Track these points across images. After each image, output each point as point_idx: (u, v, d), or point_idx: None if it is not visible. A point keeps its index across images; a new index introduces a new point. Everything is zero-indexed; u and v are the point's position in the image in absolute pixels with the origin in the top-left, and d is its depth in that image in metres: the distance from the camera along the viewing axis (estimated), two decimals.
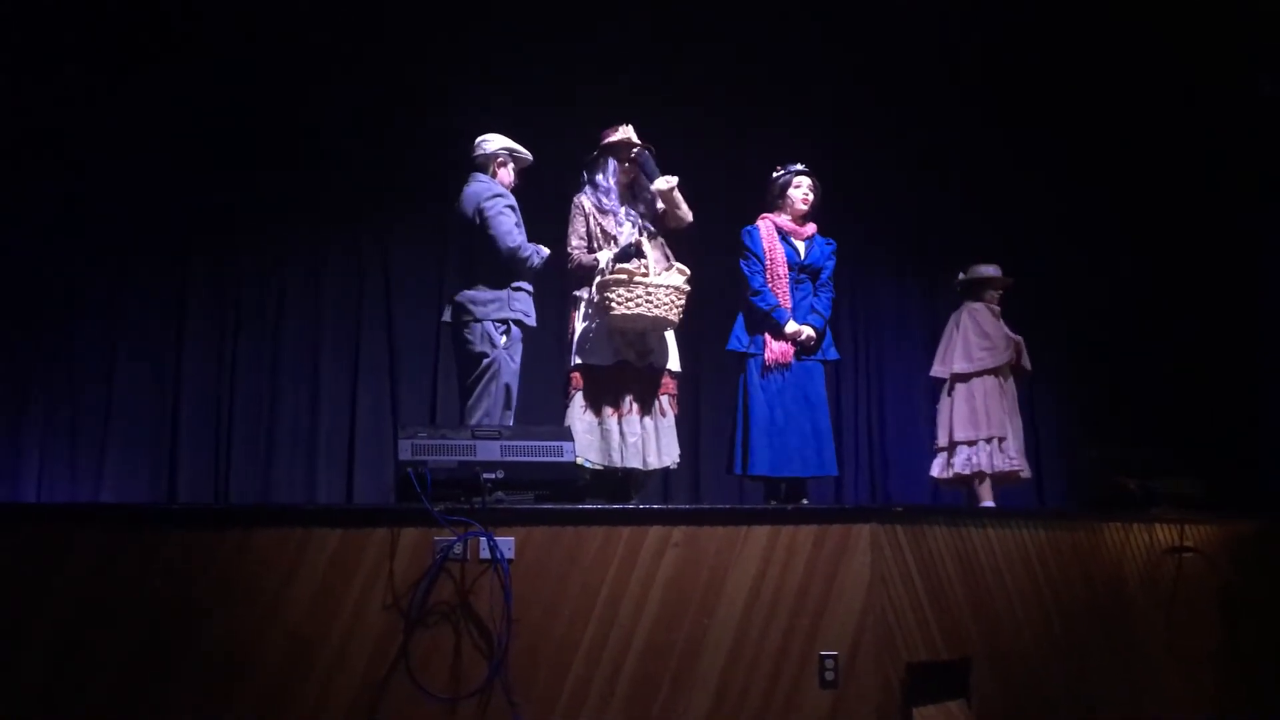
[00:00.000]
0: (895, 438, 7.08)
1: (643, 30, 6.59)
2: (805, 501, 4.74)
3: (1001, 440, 5.52)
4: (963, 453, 5.56)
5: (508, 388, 4.44)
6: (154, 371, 6.06)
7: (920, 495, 6.86)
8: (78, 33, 5.93)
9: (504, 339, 4.43)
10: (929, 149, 7.08)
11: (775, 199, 4.95)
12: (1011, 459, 5.51)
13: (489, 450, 3.41)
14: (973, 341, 5.64)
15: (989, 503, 5.48)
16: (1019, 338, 5.73)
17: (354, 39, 6.35)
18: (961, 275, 5.88)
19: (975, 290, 5.81)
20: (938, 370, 5.74)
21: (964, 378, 5.61)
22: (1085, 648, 4.07)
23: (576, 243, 4.69)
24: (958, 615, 3.73)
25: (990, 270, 5.82)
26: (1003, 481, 5.58)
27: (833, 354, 4.89)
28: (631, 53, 6.57)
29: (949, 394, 5.68)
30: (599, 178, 4.73)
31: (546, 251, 4.57)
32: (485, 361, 4.40)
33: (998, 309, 5.77)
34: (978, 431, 5.53)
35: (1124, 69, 6.67)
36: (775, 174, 4.96)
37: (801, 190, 4.90)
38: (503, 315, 4.44)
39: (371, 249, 6.48)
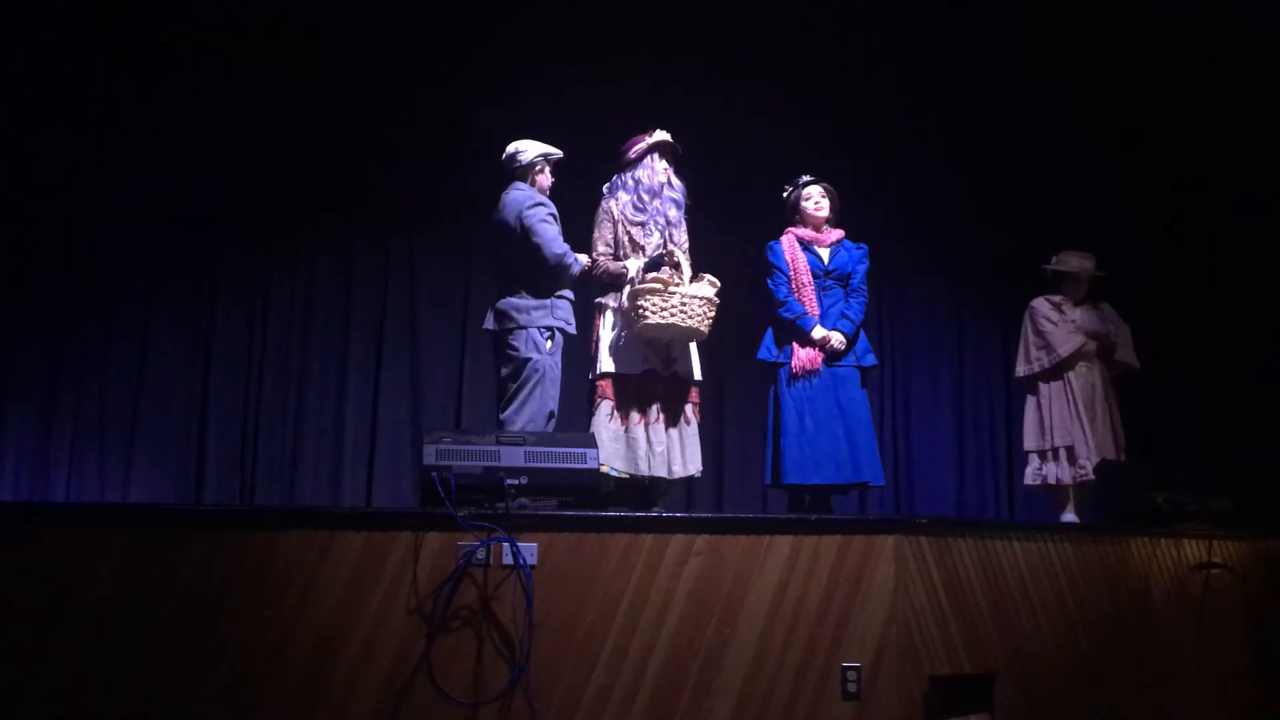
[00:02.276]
0: (920, 448, 7.04)
1: (673, 38, 6.60)
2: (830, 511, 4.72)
3: (1070, 449, 5.31)
4: (1033, 462, 5.42)
5: (552, 396, 4.46)
6: (182, 373, 6.12)
7: (945, 507, 6.82)
8: (111, 29, 6.02)
9: (549, 344, 4.45)
10: (955, 150, 7.05)
11: (792, 214, 4.96)
12: (1081, 468, 5.26)
13: (513, 456, 3.41)
14: (1030, 341, 5.48)
15: (1069, 516, 5.29)
16: (1113, 328, 5.44)
17: (386, 42, 6.40)
18: (1054, 260, 5.59)
19: (1055, 282, 5.55)
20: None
21: (1030, 384, 5.46)
22: (1111, 663, 4.03)
23: (603, 249, 4.71)
24: (982, 628, 3.70)
25: (1075, 263, 5.51)
26: (1080, 491, 5.31)
27: (869, 360, 4.84)
28: (661, 61, 6.58)
29: (1026, 400, 5.54)
30: (644, 175, 4.73)
31: (586, 260, 4.59)
32: (531, 368, 4.41)
33: (1061, 299, 5.47)
34: (1041, 442, 5.38)
35: (1141, 66, 6.61)
36: (785, 192, 4.98)
37: (812, 200, 4.91)
38: (548, 322, 4.46)
39: (398, 252, 6.51)
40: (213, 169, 6.16)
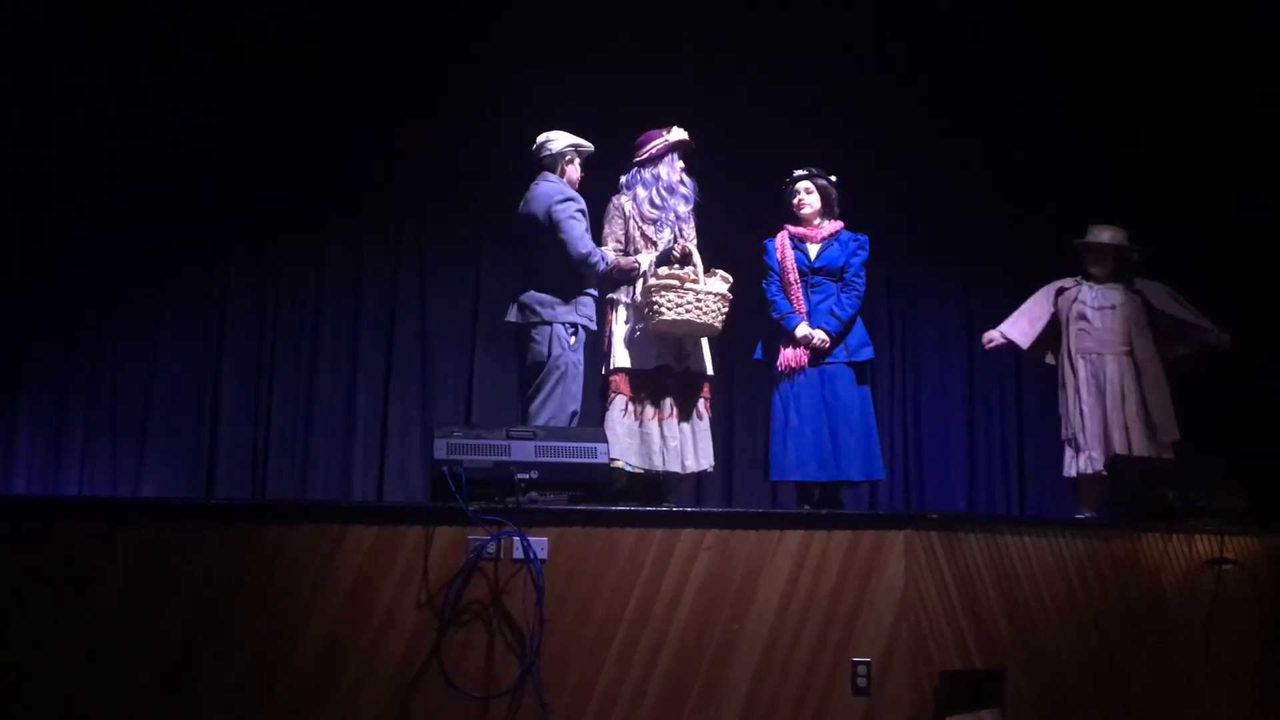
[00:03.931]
0: (931, 443, 7.02)
1: (681, 34, 6.60)
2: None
3: (1073, 440, 5.20)
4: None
5: (574, 394, 4.46)
6: (194, 368, 6.15)
7: (956, 502, 6.81)
8: (123, 24, 6.05)
9: (573, 340, 4.45)
10: (967, 141, 7.02)
11: (787, 210, 4.97)
12: (1091, 460, 5.13)
13: (524, 450, 3.42)
14: (1026, 311, 5.36)
15: (1082, 513, 5.19)
16: (1146, 313, 5.17)
17: (394, 37, 6.40)
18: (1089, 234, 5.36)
19: (1080, 259, 5.33)
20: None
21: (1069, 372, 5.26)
22: (1122, 659, 4.02)
23: (614, 245, 4.71)
24: (992, 624, 3.69)
25: (1098, 236, 5.24)
26: (1092, 486, 5.18)
27: (864, 354, 4.81)
28: (668, 56, 6.57)
29: None
30: (664, 172, 4.73)
31: (613, 257, 4.60)
32: (553, 365, 4.41)
33: (1075, 281, 5.29)
34: (1061, 431, 5.29)
35: (1158, 62, 6.58)
36: (783, 187, 4.99)
37: (796, 196, 4.91)
38: (572, 319, 4.46)
39: (408, 246, 6.53)
40: (224, 166, 6.19)
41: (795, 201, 4.90)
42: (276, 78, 6.24)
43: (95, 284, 5.99)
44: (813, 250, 4.86)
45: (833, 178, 4.97)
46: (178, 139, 6.12)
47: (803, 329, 4.73)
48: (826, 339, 4.73)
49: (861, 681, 3.38)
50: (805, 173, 4.94)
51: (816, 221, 4.90)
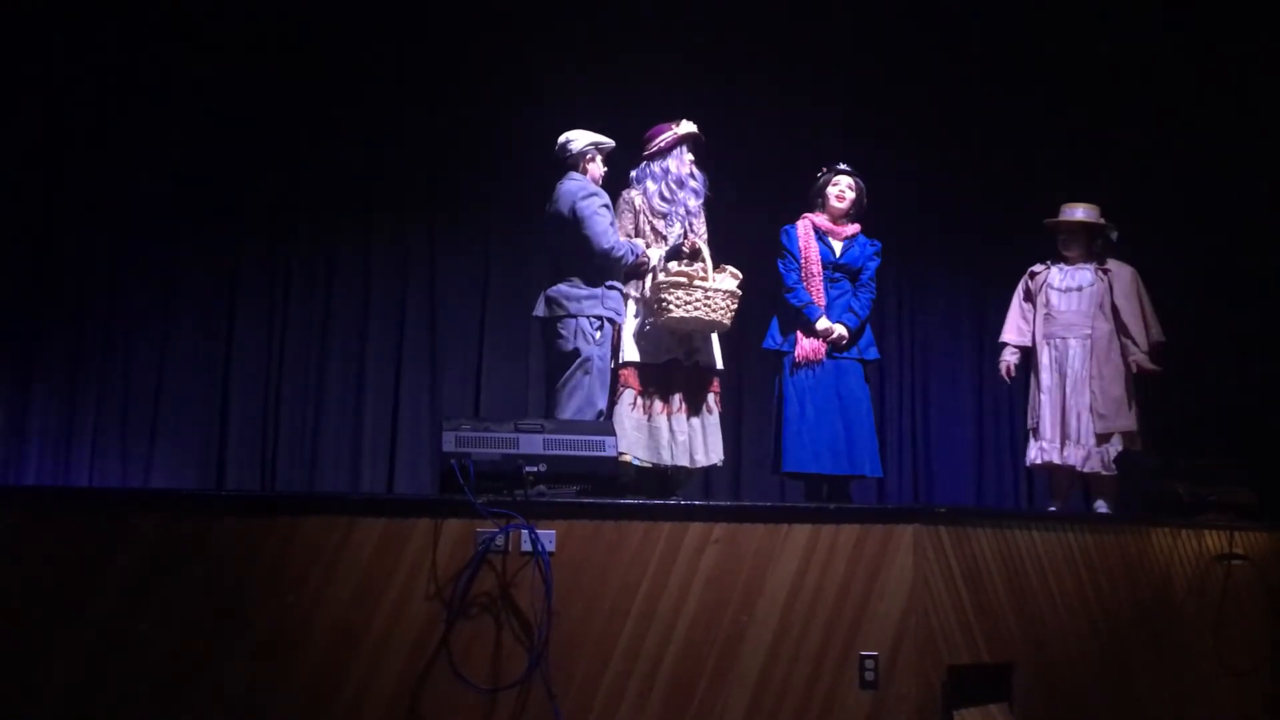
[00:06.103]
0: (940, 438, 7.01)
1: (690, 24, 6.58)
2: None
3: (1034, 429, 5.15)
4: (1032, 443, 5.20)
5: (601, 393, 4.46)
6: (204, 360, 6.16)
7: (965, 496, 6.80)
8: (129, 23, 6.06)
9: (598, 334, 4.46)
10: (976, 140, 7.00)
11: (815, 199, 4.96)
12: (1043, 450, 5.08)
13: (532, 443, 3.42)
14: (1013, 310, 5.31)
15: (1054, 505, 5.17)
16: (1113, 298, 5.05)
17: (403, 27, 6.40)
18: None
19: (1054, 239, 5.22)
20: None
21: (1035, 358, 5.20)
22: (1130, 654, 4.02)
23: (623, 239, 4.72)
24: (1001, 618, 3.69)
25: (1070, 214, 5.12)
26: (1057, 476, 5.15)
27: (872, 353, 4.87)
28: (677, 49, 6.56)
29: None
30: (673, 165, 4.73)
31: (641, 248, 4.61)
32: (580, 358, 4.42)
33: (1047, 265, 5.21)
34: (1029, 420, 5.25)
35: (1175, 52, 6.56)
36: (818, 174, 4.97)
37: (838, 189, 4.90)
38: (598, 312, 4.46)
39: (418, 240, 6.53)
40: (233, 160, 6.19)
41: (836, 193, 4.90)
42: (283, 72, 6.24)
43: (105, 277, 6.00)
44: (836, 246, 4.88)
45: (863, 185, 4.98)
46: (187, 134, 6.11)
47: (823, 322, 4.74)
48: (846, 334, 4.75)
49: (869, 675, 3.38)
50: (849, 169, 4.94)
51: (843, 219, 4.91)
